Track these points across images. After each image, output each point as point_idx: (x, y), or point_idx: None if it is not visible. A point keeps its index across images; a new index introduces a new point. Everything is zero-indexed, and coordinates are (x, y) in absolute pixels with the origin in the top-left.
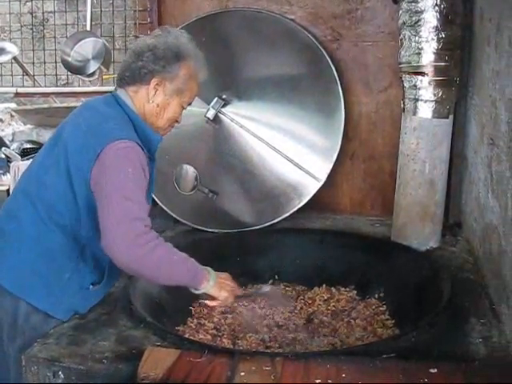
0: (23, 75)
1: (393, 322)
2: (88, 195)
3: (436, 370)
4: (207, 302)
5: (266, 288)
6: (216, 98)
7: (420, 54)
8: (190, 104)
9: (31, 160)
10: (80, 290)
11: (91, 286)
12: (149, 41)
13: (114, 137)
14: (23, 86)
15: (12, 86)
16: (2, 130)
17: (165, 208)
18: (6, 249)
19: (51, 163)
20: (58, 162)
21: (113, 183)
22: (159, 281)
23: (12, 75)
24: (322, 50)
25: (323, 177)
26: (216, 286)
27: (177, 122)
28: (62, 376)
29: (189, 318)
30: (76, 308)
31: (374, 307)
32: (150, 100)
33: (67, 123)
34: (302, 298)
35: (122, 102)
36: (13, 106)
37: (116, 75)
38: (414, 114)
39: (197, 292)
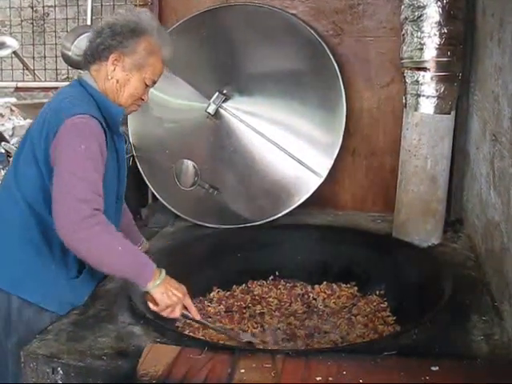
0: (23, 69)
1: (394, 318)
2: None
3: (437, 368)
4: (149, 303)
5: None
6: (217, 93)
7: (422, 49)
8: (154, 82)
9: None
10: (68, 281)
11: (78, 275)
12: (110, 19)
13: (70, 112)
14: (23, 81)
15: (12, 81)
16: (2, 125)
17: (165, 203)
18: None
19: (24, 155)
20: (27, 153)
21: (64, 161)
22: (103, 269)
23: (12, 69)
24: (324, 44)
25: (324, 172)
26: (160, 290)
27: (142, 99)
28: (61, 372)
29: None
30: (69, 299)
31: (375, 304)
32: (109, 76)
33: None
34: (302, 294)
35: (85, 82)
36: (13, 100)
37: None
38: (416, 109)
39: (141, 289)
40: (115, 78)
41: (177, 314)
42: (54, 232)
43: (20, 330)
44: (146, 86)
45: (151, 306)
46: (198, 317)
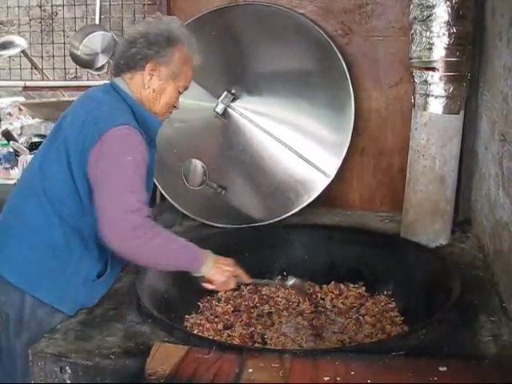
0: (32, 69)
1: (402, 319)
2: (88, 184)
3: (446, 368)
4: (205, 284)
5: (291, 281)
6: (225, 93)
7: (431, 49)
8: (186, 88)
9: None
10: (85, 283)
11: (96, 279)
12: (140, 28)
13: (113, 122)
14: (32, 80)
15: (20, 80)
16: (11, 124)
17: (173, 203)
18: (12, 244)
19: (53, 155)
20: (58, 153)
21: (111, 172)
22: (158, 268)
23: (21, 69)
24: (333, 44)
25: (332, 172)
26: (213, 270)
27: (174, 107)
28: (69, 371)
29: (197, 314)
30: (82, 301)
31: (382, 304)
32: (145, 85)
33: (67, 115)
34: (310, 294)
35: (119, 89)
36: (21, 99)
37: (112, 65)
38: (425, 109)
39: (195, 275)
40: (152, 87)
41: (232, 285)
42: (75, 236)
43: (32, 329)
44: (179, 93)
45: (207, 285)
46: (249, 280)
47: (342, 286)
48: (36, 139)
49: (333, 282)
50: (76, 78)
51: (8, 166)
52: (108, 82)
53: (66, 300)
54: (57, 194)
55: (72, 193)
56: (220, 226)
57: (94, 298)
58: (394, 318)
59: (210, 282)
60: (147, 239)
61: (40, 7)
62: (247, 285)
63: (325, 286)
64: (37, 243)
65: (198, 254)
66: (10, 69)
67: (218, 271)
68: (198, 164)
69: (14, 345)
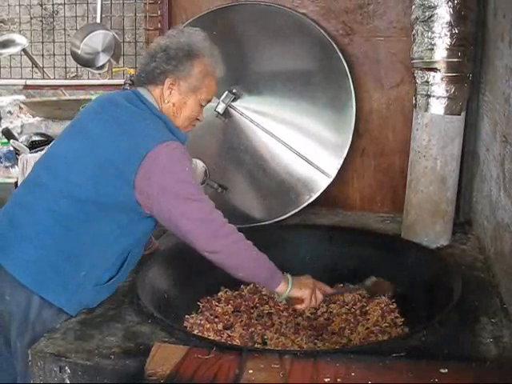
0: (32, 67)
1: (402, 320)
2: (119, 194)
3: (446, 370)
4: (297, 306)
5: (369, 281)
6: (226, 92)
7: (433, 49)
8: (209, 101)
9: (45, 151)
10: (94, 287)
11: (106, 282)
12: (162, 42)
13: (160, 139)
14: (32, 78)
15: (21, 78)
16: (11, 122)
17: None
18: (19, 241)
19: (75, 157)
20: (85, 158)
21: (175, 184)
22: (239, 273)
23: (21, 67)
24: (334, 44)
25: (333, 173)
26: (296, 287)
27: (198, 119)
28: (68, 371)
29: (197, 314)
30: (87, 303)
31: (383, 305)
32: (165, 100)
33: (91, 118)
34: None
35: (146, 101)
36: (22, 98)
37: (134, 77)
38: (426, 110)
39: (278, 298)
40: (172, 101)
41: (320, 297)
42: (95, 242)
43: (36, 330)
44: (201, 106)
45: (299, 306)
46: (331, 291)
47: (343, 287)
48: (36, 138)
49: (333, 283)
50: (77, 76)
51: (8, 164)
52: (131, 90)
53: (74, 302)
54: (79, 200)
55: (100, 201)
56: None
57: (98, 300)
58: (395, 319)
59: (297, 301)
60: (231, 241)
61: (41, 6)
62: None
63: None
64: (50, 245)
65: (277, 271)
66: (10, 67)
67: (301, 287)
68: (198, 164)
69: (16, 344)
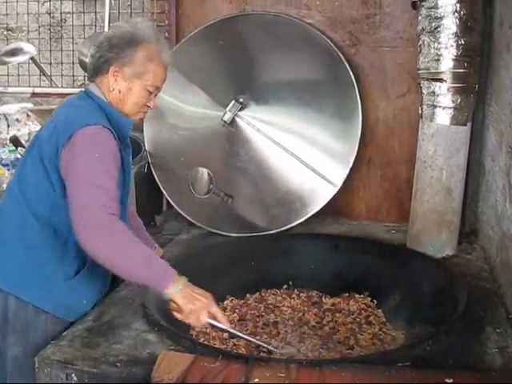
0: (40, 75)
1: (407, 330)
2: (63, 184)
3: (452, 380)
4: (173, 312)
5: (285, 350)
6: (233, 102)
7: (439, 60)
8: (158, 88)
9: None
10: (65, 281)
11: (75, 276)
12: (107, 33)
13: (82, 123)
14: (40, 86)
15: (29, 86)
16: (19, 130)
17: (179, 211)
18: None
19: (29, 158)
20: (33, 156)
21: (78, 169)
22: (122, 274)
23: (29, 75)
24: (340, 54)
25: (339, 182)
26: (181, 293)
27: (148, 106)
28: (75, 378)
29: None
30: (66, 301)
31: (388, 314)
32: (111, 88)
33: (45, 123)
34: (316, 303)
35: (92, 94)
36: (29, 105)
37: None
38: (432, 120)
39: (164, 297)
40: (117, 88)
41: (202, 321)
42: (52, 234)
43: (17, 330)
44: (150, 92)
45: (176, 314)
46: (226, 324)
47: (348, 296)
48: None
49: (338, 292)
50: (84, 85)
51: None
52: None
53: (48, 299)
54: (33, 195)
55: (48, 193)
56: (226, 234)
57: (79, 298)
58: (400, 329)
59: (178, 309)
60: (112, 239)
61: (49, 14)
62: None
63: (330, 296)
64: (15, 243)
65: (168, 272)
66: (18, 75)
67: (187, 296)
68: (204, 172)
69: (4, 349)
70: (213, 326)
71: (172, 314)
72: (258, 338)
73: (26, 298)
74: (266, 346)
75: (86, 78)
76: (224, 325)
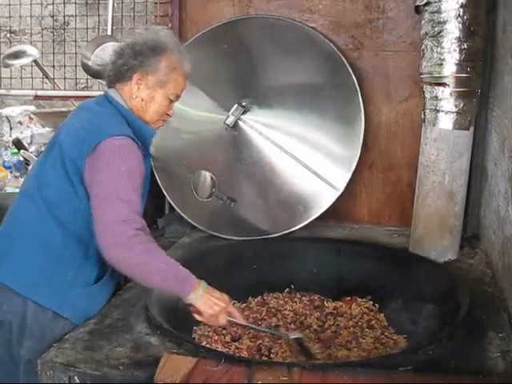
0: (43, 78)
1: (409, 334)
2: (85, 189)
3: None
4: (195, 315)
5: (294, 335)
6: (236, 105)
7: (442, 64)
8: (178, 96)
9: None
10: (84, 288)
11: (95, 283)
12: (128, 39)
13: (109, 132)
14: (43, 89)
15: (32, 89)
16: (21, 133)
17: (182, 214)
18: (14, 252)
19: (50, 163)
20: (55, 161)
21: (105, 182)
22: (147, 284)
23: (32, 78)
24: (343, 58)
25: (341, 186)
26: (202, 300)
27: (168, 115)
28: (77, 381)
29: (204, 326)
30: (83, 307)
31: (390, 318)
32: (134, 95)
33: (62, 126)
34: (318, 307)
35: (113, 100)
36: (32, 108)
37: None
38: (435, 124)
39: (185, 302)
40: (140, 96)
41: (222, 321)
42: (74, 240)
43: (35, 335)
44: (171, 101)
45: (196, 316)
46: (242, 322)
47: (350, 300)
48: None
49: (340, 296)
50: (87, 88)
51: (18, 174)
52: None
53: (67, 305)
54: (55, 199)
55: (70, 198)
56: (228, 237)
57: (95, 304)
58: (402, 332)
59: (198, 312)
60: (136, 252)
61: (52, 17)
62: (241, 325)
63: (332, 300)
64: (36, 248)
65: (189, 280)
66: (21, 78)
67: (206, 302)
68: (207, 176)
69: (17, 353)
70: (231, 323)
71: (192, 315)
72: (274, 329)
73: (46, 304)
74: (278, 334)
75: (89, 81)
76: (241, 322)
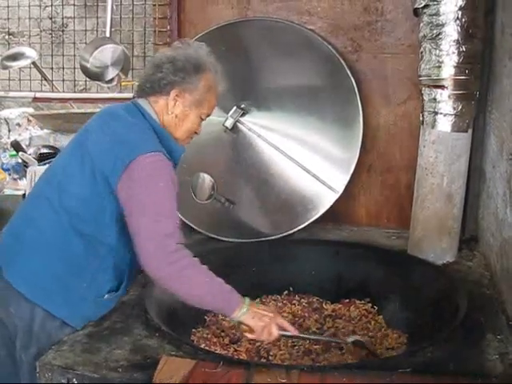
0: (41, 80)
1: (407, 336)
2: (113, 203)
3: None
4: (247, 334)
5: (351, 338)
6: (234, 108)
7: (440, 67)
8: (208, 116)
9: (48, 165)
10: (96, 299)
11: (106, 295)
12: (168, 53)
13: (144, 149)
14: (41, 91)
15: (30, 91)
16: (20, 135)
17: (181, 216)
18: (24, 254)
19: (75, 171)
20: (82, 170)
21: (144, 198)
22: (191, 301)
23: (30, 80)
24: (342, 61)
25: (340, 188)
26: (249, 314)
27: (196, 133)
28: (76, 383)
29: (203, 328)
30: (89, 316)
31: (389, 320)
32: (169, 111)
33: (89, 131)
34: (316, 309)
35: (145, 112)
36: (30, 110)
37: (136, 86)
38: (433, 127)
39: (231, 321)
40: (175, 112)
41: (275, 333)
42: (92, 253)
43: (41, 342)
44: (201, 120)
45: (248, 335)
46: (295, 332)
47: (349, 302)
48: (44, 150)
49: (339, 298)
50: (85, 90)
51: (16, 176)
52: (131, 101)
53: (77, 315)
54: (78, 211)
55: (96, 212)
56: (227, 240)
57: (100, 313)
58: (401, 335)
59: (250, 330)
60: (181, 267)
61: (51, 19)
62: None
63: (331, 302)
64: (52, 257)
65: (234, 296)
66: (20, 80)
67: (255, 315)
68: (206, 178)
69: (20, 358)
70: (284, 336)
71: (242, 336)
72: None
73: (56, 312)
74: (336, 341)
75: (87, 83)
76: (293, 333)
